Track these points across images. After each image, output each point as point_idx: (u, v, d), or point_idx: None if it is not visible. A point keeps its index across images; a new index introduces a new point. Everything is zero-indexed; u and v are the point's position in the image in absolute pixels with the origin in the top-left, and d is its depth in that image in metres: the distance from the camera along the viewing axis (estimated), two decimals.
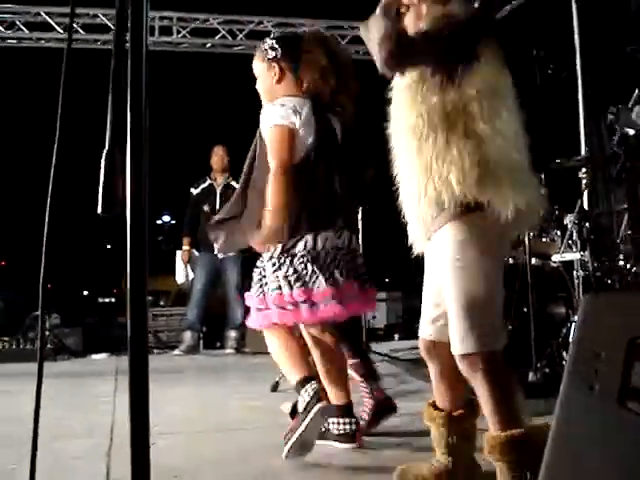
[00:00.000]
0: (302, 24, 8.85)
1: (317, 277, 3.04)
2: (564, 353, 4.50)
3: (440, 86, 2.14)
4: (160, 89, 8.02)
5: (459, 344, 2.12)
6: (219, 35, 8.66)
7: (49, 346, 7.52)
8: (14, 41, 8.56)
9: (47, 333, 7.82)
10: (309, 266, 3.04)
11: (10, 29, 8.36)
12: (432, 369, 2.39)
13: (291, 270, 3.04)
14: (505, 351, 4.68)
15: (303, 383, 3.01)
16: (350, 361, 3.57)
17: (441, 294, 2.22)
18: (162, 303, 10.23)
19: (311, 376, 3.07)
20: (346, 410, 3.22)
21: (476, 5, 2.29)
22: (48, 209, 1.44)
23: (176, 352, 7.54)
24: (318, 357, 3.28)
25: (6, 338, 7.55)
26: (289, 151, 3.08)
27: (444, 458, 2.36)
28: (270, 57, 3.30)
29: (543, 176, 5.16)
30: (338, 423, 3.20)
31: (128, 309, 1.22)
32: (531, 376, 4.38)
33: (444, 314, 2.22)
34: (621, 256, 4.51)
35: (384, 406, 3.50)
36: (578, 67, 6.35)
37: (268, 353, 3.36)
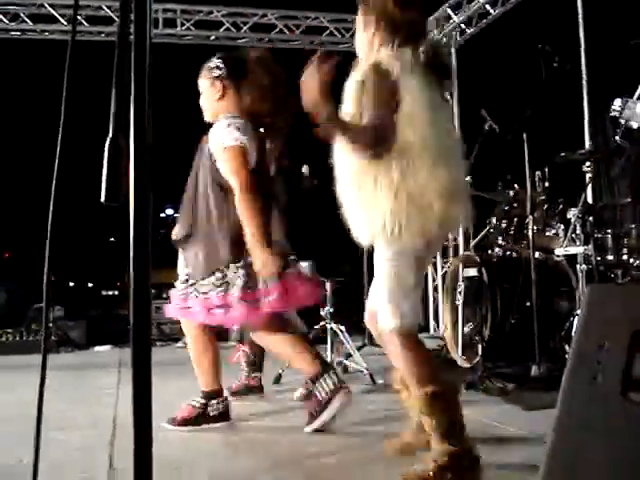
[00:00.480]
0: (306, 17, 8.84)
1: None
2: (567, 347, 4.51)
3: None
4: (164, 82, 8.00)
5: (382, 320, 2.59)
6: (223, 27, 8.63)
7: (53, 338, 7.54)
8: (18, 33, 8.53)
9: (51, 325, 7.85)
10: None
11: (14, 21, 8.33)
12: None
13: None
14: (508, 344, 4.68)
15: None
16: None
17: None
18: (165, 295, 10.21)
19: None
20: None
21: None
22: (52, 200, 1.43)
23: (179, 344, 7.55)
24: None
25: (9, 330, 7.57)
26: (246, 168, 3.38)
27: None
28: (215, 75, 3.57)
29: (547, 169, 5.16)
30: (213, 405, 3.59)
31: (131, 301, 1.22)
32: (534, 370, 4.39)
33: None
34: (625, 250, 4.50)
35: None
36: (583, 61, 6.33)
37: None
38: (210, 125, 3.56)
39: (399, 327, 2.53)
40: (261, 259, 3.29)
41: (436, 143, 2.52)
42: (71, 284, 28.46)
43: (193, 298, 3.47)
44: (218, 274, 3.42)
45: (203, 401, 3.58)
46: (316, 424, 3.34)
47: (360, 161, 2.52)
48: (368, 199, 2.51)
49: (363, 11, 2.70)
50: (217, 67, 3.59)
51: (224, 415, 3.61)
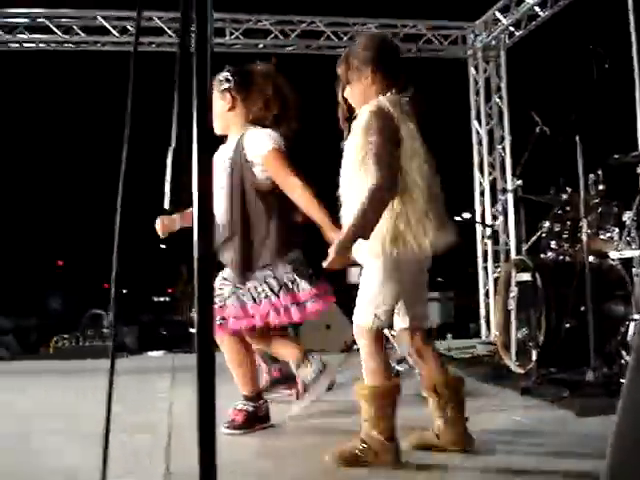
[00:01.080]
0: (354, 23, 8.86)
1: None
2: (623, 352, 4.43)
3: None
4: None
5: (359, 316, 2.94)
6: (271, 36, 8.71)
7: (108, 344, 7.67)
8: (72, 45, 8.73)
9: (105, 330, 8.00)
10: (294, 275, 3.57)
11: (67, 34, 8.52)
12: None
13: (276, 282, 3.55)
14: (563, 350, 4.61)
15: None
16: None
17: None
18: None
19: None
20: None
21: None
22: (119, 210, 1.47)
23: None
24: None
25: (65, 335, 7.72)
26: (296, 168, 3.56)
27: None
28: (224, 87, 3.71)
29: (601, 172, 5.08)
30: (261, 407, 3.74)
31: (196, 307, 1.24)
32: (589, 375, 4.31)
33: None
34: None
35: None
36: (635, 62, 6.21)
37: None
38: (220, 137, 3.74)
39: (371, 326, 2.88)
40: (336, 240, 3.33)
41: (429, 177, 2.85)
42: (123, 290, 28.93)
43: (248, 303, 3.55)
44: (267, 271, 3.54)
45: (252, 404, 3.66)
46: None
47: (363, 186, 2.76)
48: None
49: (356, 64, 2.95)
50: (226, 79, 3.74)
51: (268, 416, 3.73)
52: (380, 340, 2.94)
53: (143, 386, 5.35)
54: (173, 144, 1.35)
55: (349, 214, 2.85)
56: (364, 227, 2.74)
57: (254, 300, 3.56)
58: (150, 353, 7.81)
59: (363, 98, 2.94)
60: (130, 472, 2.88)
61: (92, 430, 3.54)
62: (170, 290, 25.22)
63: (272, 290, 3.54)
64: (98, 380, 5.26)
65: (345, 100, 3.04)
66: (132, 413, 4.16)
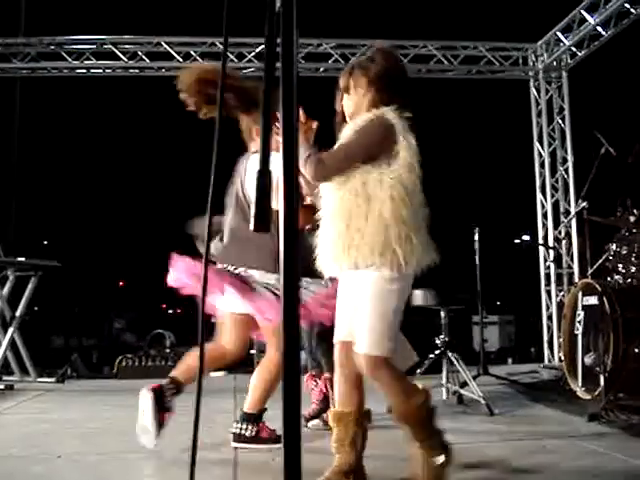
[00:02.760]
0: (414, 45, 8.89)
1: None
2: None
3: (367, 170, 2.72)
4: None
5: (367, 347, 2.69)
6: (332, 59, 8.79)
7: (169, 364, 7.76)
8: (136, 70, 8.96)
9: (168, 351, 8.10)
10: None
11: (132, 59, 8.75)
12: (342, 373, 2.83)
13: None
14: (631, 375, 4.51)
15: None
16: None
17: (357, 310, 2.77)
18: None
19: None
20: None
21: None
22: (207, 233, 1.50)
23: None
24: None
25: (129, 355, 7.84)
26: None
27: (348, 457, 2.74)
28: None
29: None
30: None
31: (283, 324, 1.26)
32: None
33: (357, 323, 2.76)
34: None
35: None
36: None
37: None
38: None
39: (385, 353, 2.69)
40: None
41: (420, 192, 2.77)
42: (178, 311, 29.35)
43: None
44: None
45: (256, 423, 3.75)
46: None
47: (350, 196, 2.70)
48: (356, 232, 2.68)
49: (361, 74, 2.86)
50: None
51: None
52: (391, 362, 2.77)
53: (206, 406, 5.39)
54: (259, 167, 1.38)
55: (326, 223, 2.81)
56: (306, 155, 2.71)
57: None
58: (212, 374, 7.86)
59: (362, 109, 2.86)
60: None
61: (158, 447, 3.61)
62: None
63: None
64: None
65: (342, 110, 2.96)
66: (199, 430, 4.20)
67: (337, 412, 2.80)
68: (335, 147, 2.81)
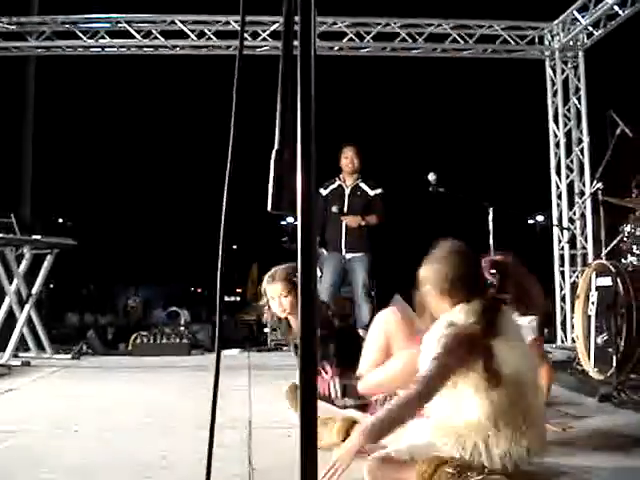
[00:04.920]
0: (429, 24, 8.81)
1: None
2: None
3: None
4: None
5: None
6: (347, 38, 8.74)
7: (185, 341, 7.83)
8: (151, 49, 8.95)
9: (182, 329, 8.16)
10: None
11: (147, 38, 8.74)
12: None
13: None
14: None
15: None
16: None
17: None
18: None
19: None
20: None
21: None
22: (225, 212, 1.51)
23: None
24: None
25: (144, 333, 7.90)
26: None
27: None
28: None
29: None
30: None
31: (299, 307, 1.27)
32: None
33: None
34: None
35: None
36: None
37: None
38: None
39: None
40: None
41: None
42: (196, 290, 29.48)
43: None
44: None
45: None
46: None
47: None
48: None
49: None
50: None
51: None
52: None
53: (222, 383, 5.44)
54: (276, 147, 1.39)
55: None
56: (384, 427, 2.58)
57: None
58: (225, 351, 7.92)
59: (439, 308, 2.77)
60: (213, 467, 2.94)
61: (167, 424, 3.66)
62: (239, 290, 25.52)
63: None
64: (175, 375, 5.42)
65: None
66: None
67: None
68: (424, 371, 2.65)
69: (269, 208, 1.37)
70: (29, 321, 6.99)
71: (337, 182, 7.12)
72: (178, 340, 7.79)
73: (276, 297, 3.85)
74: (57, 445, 3.33)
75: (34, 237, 6.93)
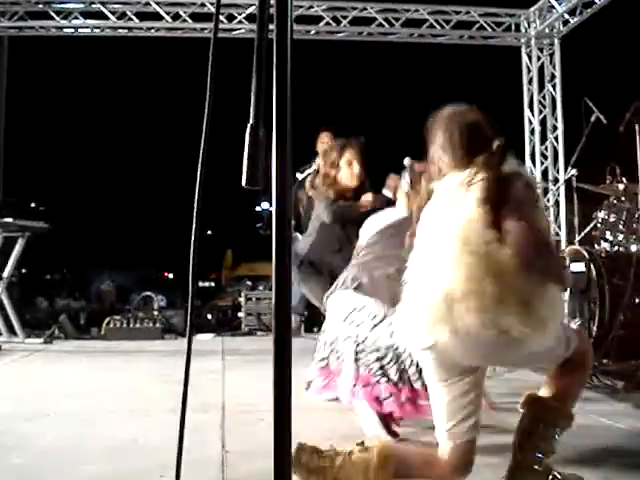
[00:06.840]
0: (406, 9, 8.77)
1: None
2: None
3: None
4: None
5: None
6: (323, 22, 8.69)
7: (158, 326, 7.79)
8: (125, 30, 8.84)
9: (156, 313, 8.12)
10: None
11: (121, 19, 8.62)
12: None
13: None
14: (617, 342, 4.53)
15: None
16: None
17: None
18: (261, 288, 10.40)
19: None
20: None
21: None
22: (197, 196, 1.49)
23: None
24: None
25: (117, 317, 7.85)
26: None
27: None
28: None
29: None
30: None
31: (274, 291, 1.25)
32: None
33: None
34: None
35: None
36: None
37: None
38: None
39: None
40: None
41: None
42: (170, 275, 29.35)
43: None
44: None
45: None
46: None
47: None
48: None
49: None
50: None
51: None
52: None
53: (194, 367, 5.41)
54: (250, 122, 1.37)
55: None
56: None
57: None
58: (199, 336, 7.89)
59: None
60: (187, 451, 2.92)
61: (141, 406, 3.64)
62: (213, 275, 25.49)
63: None
64: (147, 359, 5.39)
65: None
66: (188, 392, 4.23)
67: None
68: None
69: (243, 183, 1.35)
70: (0, 305, 6.90)
71: (313, 167, 7.06)
72: (151, 324, 7.75)
73: (354, 161, 3.92)
74: (28, 429, 3.29)
75: (5, 220, 6.83)
